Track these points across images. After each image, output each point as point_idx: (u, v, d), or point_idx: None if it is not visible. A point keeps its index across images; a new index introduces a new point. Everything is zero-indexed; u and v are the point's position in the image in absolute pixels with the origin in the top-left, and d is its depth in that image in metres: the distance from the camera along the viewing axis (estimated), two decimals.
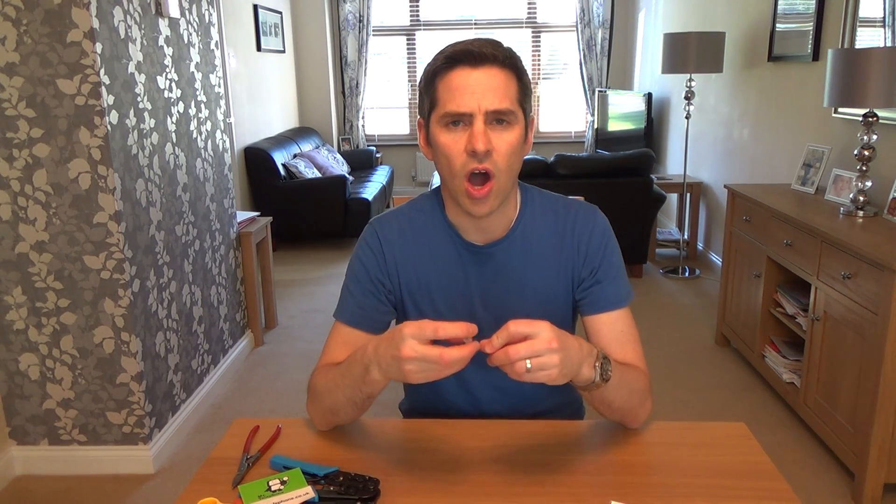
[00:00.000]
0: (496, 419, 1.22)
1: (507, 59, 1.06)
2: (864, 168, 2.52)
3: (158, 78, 2.48)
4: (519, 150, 1.10)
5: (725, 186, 3.26)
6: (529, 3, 6.83)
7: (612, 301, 1.19)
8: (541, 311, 1.22)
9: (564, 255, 1.21)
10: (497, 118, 1.05)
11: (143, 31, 2.37)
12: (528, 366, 0.88)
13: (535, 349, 0.88)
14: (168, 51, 2.56)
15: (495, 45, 1.06)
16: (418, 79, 1.16)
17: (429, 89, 1.09)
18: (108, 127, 2.13)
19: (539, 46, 6.97)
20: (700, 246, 4.94)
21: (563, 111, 7.14)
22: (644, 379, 1.15)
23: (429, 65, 1.10)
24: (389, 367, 0.95)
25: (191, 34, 2.77)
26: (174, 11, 2.56)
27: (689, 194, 4.81)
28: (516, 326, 0.89)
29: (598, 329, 1.18)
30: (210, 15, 2.98)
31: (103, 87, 2.11)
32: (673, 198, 5.42)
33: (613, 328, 1.18)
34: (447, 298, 1.21)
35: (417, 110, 1.16)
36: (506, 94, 1.05)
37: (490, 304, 1.22)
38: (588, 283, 1.20)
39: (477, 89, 1.04)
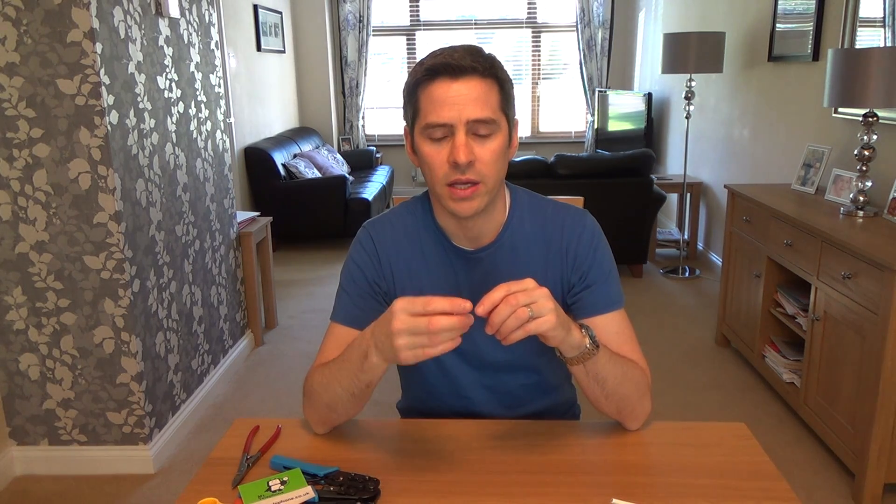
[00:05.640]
0: (492, 419, 1.22)
1: (487, 69, 1.06)
2: (864, 168, 2.52)
3: (158, 78, 2.48)
4: (503, 156, 1.10)
5: (725, 186, 3.26)
6: (529, 3, 6.83)
7: (605, 304, 1.18)
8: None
9: (553, 260, 1.20)
10: (479, 128, 1.05)
11: (143, 31, 2.37)
12: (531, 312, 0.92)
13: (532, 295, 0.92)
14: (168, 51, 2.56)
15: (475, 55, 1.06)
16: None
17: (411, 99, 1.09)
18: (108, 127, 2.13)
19: (539, 46, 6.97)
20: (700, 246, 4.94)
21: (563, 111, 7.13)
22: (640, 372, 1.15)
23: (410, 74, 1.09)
24: (384, 346, 0.95)
25: (191, 34, 2.77)
26: (174, 11, 2.56)
27: (689, 194, 4.81)
28: (508, 286, 0.93)
29: None
30: (210, 15, 2.98)
31: (103, 87, 2.11)
32: (673, 198, 5.42)
33: (608, 330, 1.17)
34: None
35: (402, 117, 1.16)
36: (487, 104, 1.05)
37: None
38: (579, 287, 1.19)
39: (458, 101, 1.03)
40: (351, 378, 1.06)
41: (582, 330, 1.03)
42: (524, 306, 0.92)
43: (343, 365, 1.07)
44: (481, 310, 0.92)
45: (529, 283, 0.94)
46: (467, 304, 0.90)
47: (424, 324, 0.89)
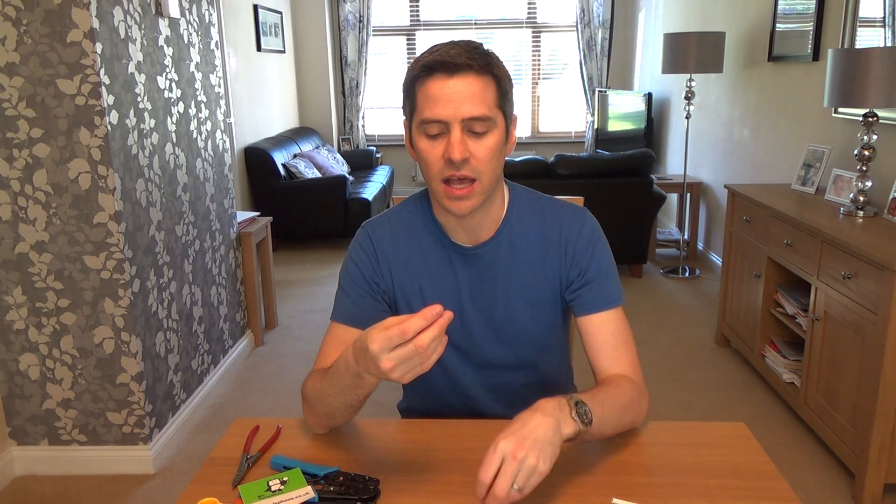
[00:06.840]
0: (493, 419, 1.22)
1: (483, 66, 1.05)
2: (864, 168, 2.52)
3: (158, 78, 2.48)
4: (500, 153, 1.10)
5: (725, 186, 3.26)
6: (529, 3, 6.83)
7: (603, 302, 1.18)
8: (528, 311, 1.22)
9: (551, 257, 1.21)
10: (475, 125, 1.05)
11: (143, 31, 2.37)
12: (517, 487, 0.87)
13: (510, 472, 0.87)
14: (168, 51, 2.56)
15: (471, 51, 1.05)
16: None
17: (409, 95, 1.10)
18: (108, 127, 2.13)
19: (539, 46, 6.96)
20: (700, 246, 4.94)
21: (563, 111, 7.13)
22: (634, 388, 1.13)
23: (409, 69, 1.10)
24: (381, 376, 0.93)
25: (191, 34, 2.77)
26: (174, 11, 2.56)
27: (689, 194, 4.81)
28: (484, 474, 0.87)
29: (589, 330, 1.18)
30: (210, 15, 2.98)
31: (103, 87, 2.11)
32: (673, 198, 5.42)
33: (605, 329, 1.17)
34: (438, 297, 1.21)
35: (402, 110, 1.16)
36: (482, 101, 1.05)
37: (479, 303, 1.22)
38: (577, 284, 1.20)
39: (453, 98, 1.03)
40: (347, 395, 1.05)
41: (573, 416, 0.96)
42: (509, 487, 0.86)
43: (335, 383, 1.04)
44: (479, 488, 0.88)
45: (504, 450, 0.87)
46: (437, 308, 0.87)
47: (412, 350, 0.86)
